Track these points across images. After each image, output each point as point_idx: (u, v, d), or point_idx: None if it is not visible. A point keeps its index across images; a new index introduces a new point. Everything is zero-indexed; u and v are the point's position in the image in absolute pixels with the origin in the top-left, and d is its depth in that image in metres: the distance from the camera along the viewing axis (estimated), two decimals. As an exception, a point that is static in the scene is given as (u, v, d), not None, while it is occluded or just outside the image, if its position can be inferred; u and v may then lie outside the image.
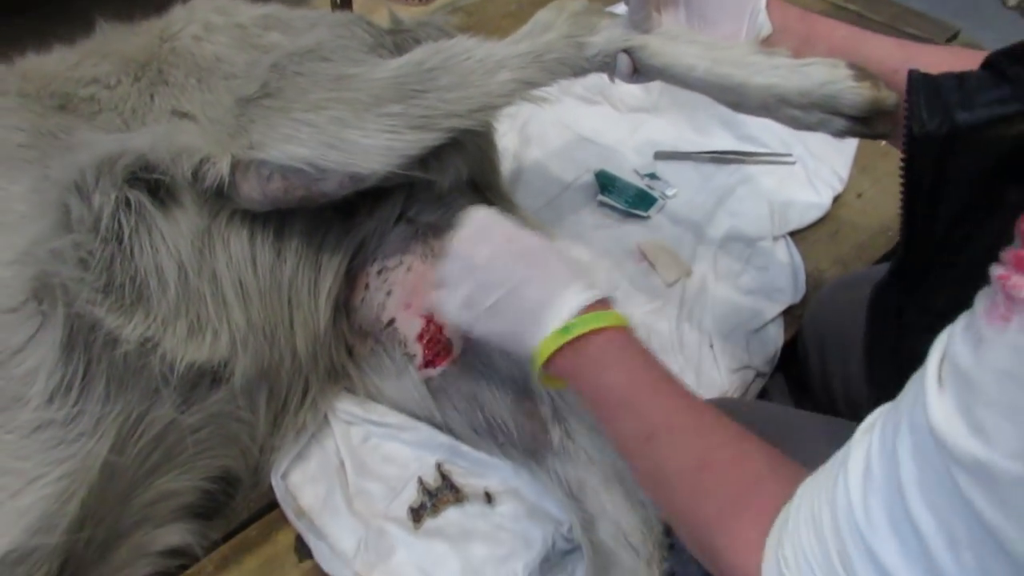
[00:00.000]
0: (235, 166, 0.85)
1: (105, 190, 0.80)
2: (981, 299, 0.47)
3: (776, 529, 0.59)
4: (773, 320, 1.21)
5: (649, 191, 1.39)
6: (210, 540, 0.94)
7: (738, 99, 0.87)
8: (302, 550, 0.95)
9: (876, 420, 0.55)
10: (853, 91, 0.80)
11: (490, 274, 0.81)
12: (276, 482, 0.98)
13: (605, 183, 1.40)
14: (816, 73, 0.82)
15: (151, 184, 0.84)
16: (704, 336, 1.18)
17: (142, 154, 0.82)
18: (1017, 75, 0.59)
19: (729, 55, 0.86)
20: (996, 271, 0.46)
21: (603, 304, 0.79)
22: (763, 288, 1.25)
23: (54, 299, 0.79)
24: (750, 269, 1.28)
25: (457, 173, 0.96)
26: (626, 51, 0.89)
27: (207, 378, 0.89)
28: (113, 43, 1.01)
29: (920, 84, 0.65)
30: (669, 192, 1.40)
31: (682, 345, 1.17)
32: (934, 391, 0.48)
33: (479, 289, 0.81)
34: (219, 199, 0.89)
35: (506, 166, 1.38)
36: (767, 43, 0.89)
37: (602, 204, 1.38)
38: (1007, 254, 0.46)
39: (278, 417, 0.99)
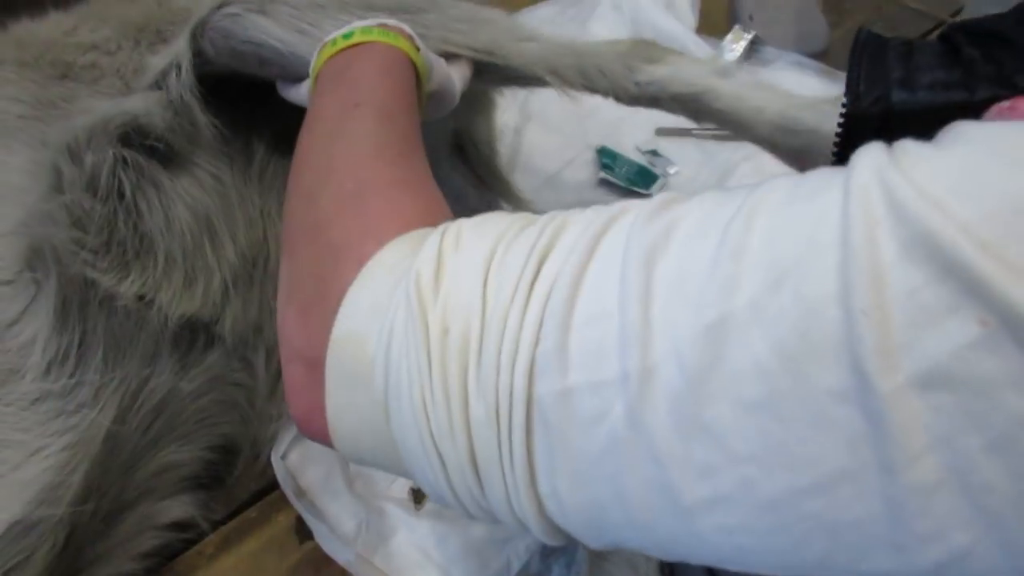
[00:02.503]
0: (196, 34, 0.79)
1: (98, 150, 0.77)
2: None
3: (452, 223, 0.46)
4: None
5: (651, 168, 1.38)
6: (213, 513, 0.93)
7: (805, 145, 0.80)
8: (303, 531, 0.95)
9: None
10: None
11: None
12: (276, 462, 0.97)
13: (606, 160, 1.38)
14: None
15: (148, 149, 0.81)
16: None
17: (135, 115, 0.79)
18: (971, 58, 0.51)
19: (803, 100, 0.80)
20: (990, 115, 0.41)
21: (396, 28, 0.70)
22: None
23: (46, 266, 0.77)
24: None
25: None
26: (692, 95, 0.85)
27: (201, 337, 0.88)
28: (110, 7, 0.98)
29: (866, 48, 0.57)
30: (671, 170, 1.39)
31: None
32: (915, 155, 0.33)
33: None
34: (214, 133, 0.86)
35: (506, 143, 1.37)
36: None
37: (603, 182, 1.37)
38: (995, 109, 0.41)
39: (275, 381, 0.97)
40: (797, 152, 0.81)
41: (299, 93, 0.79)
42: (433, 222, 0.47)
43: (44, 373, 0.75)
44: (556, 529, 0.40)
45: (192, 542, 0.91)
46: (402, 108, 0.60)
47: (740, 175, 1.38)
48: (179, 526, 0.89)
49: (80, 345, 0.78)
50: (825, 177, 0.34)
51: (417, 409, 0.40)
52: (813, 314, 0.30)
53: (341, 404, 0.44)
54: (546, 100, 1.48)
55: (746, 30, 1.51)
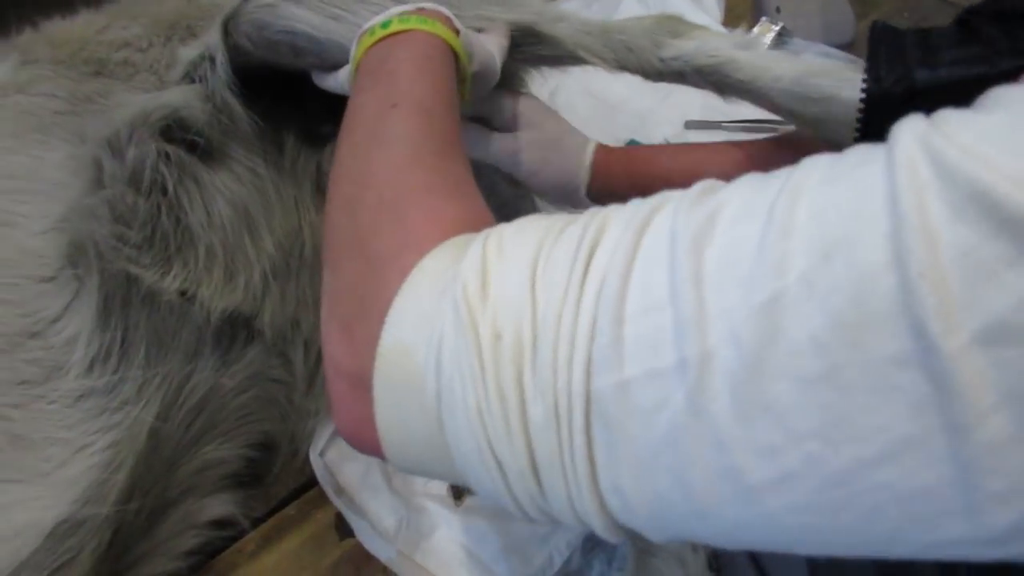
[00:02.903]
0: (229, 29, 0.79)
1: (140, 143, 0.77)
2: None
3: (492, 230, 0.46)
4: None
5: (678, 162, 1.37)
6: (252, 511, 0.93)
7: (822, 113, 0.79)
8: (343, 528, 0.94)
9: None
10: None
11: None
12: (314, 460, 0.97)
13: (634, 153, 1.37)
14: None
15: (188, 143, 0.81)
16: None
17: (175, 108, 0.79)
18: (989, 35, 0.51)
19: (823, 68, 0.80)
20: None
21: (435, 14, 0.69)
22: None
23: (88, 262, 0.77)
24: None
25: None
26: (714, 65, 0.85)
27: (242, 332, 0.88)
28: (140, 4, 0.98)
29: (883, 36, 0.58)
30: (697, 164, 1.38)
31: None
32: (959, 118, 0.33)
33: None
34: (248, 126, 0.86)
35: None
36: None
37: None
38: None
39: (313, 376, 0.97)
40: (816, 120, 0.80)
41: (336, 81, 0.79)
42: (474, 226, 0.47)
43: (87, 370, 0.75)
44: (619, 526, 0.40)
45: (232, 540, 0.91)
46: (441, 104, 0.60)
47: (771, 167, 1.36)
48: (220, 524, 0.88)
49: (123, 341, 0.77)
50: (865, 152, 0.34)
51: (472, 417, 0.40)
52: (868, 282, 0.30)
53: (391, 416, 0.44)
54: (573, 93, 1.47)
55: (773, 22, 1.49)
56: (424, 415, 0.42)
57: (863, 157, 0.33)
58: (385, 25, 0.66)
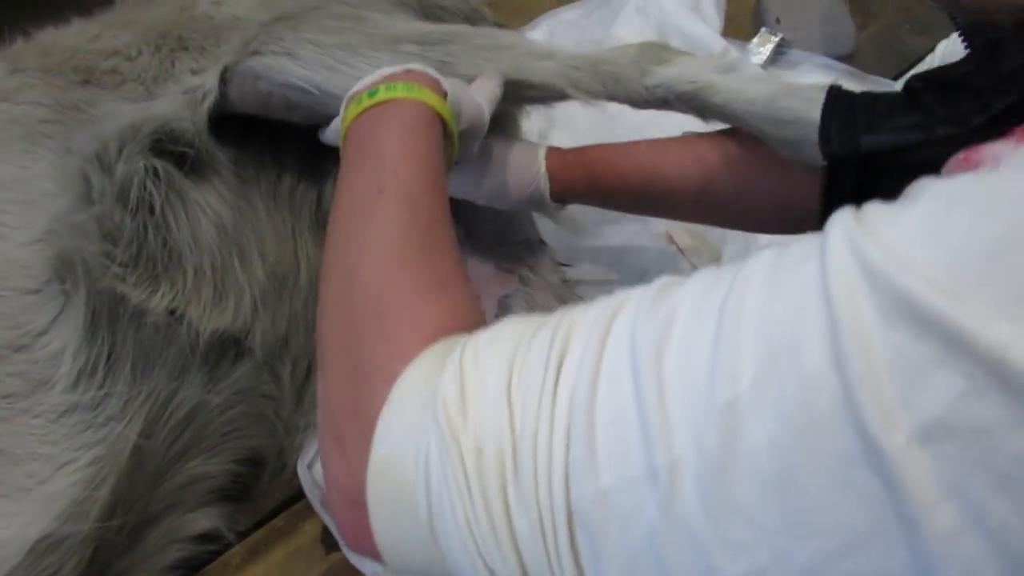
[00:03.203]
0: (226, 80, 0.80)
1: (129, 159, 0.77)
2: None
3: (469, 336, 0.47)
4: (805, 308, 1.18)
5: (677, 174, 1.36)
6: (239, 524, 0.92)
7: (797, 135, 0.79)
8: (329, 541, 0.94)
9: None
10: None
11: None
12: (302, 472, 0.96)
13: (632, 165, 1.36)
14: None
15: (178, 157, 0.81)
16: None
17: (166, 120, 0.79)
18: (929, 104, 0.54)
19: (793, 89, 0.80)
20: (950, 168, 0.42)
21: (421, 77, 0.70)
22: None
23: (76, 278, 0.77)
24: (782, 255, 1.26)
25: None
26: (693, 92, 0.86)
27: (231, 350, 0.88)
28: (134, 13, 0.98)
29: (837, 100, 0.61)
30: (698, 174, 1.37)
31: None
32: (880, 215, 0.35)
33: None
34: (239, 150, 0.87)
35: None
36: None
37: (630, 187, 1.35)
38: (955, 160, 0.41)
39: (301, 391, 0.97)
40: (789, 142, 0.80)
41: (331, 135, 0.80)
42: (459, 324, 0.49)
43: (73, 385, 0.75)
44: None
45: (217, 554, 0.90)
46: (427, 186, 0.60)
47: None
48: (205, 538, 0.88)
49: (109, 357, 0.77)
50: (804, 250, 0.36)
51: (463, 529, 0.41)
52: (813, 386, 0.32)
53: (387, 530, 0.45)
54: (571, 105, 1.46)
55: (773, 33, 1.49)
56: (418, 528, 0.43)
57: (803, 255, 0.36)
58: (372, 94, 0.67)
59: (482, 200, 0.94)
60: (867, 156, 0.56)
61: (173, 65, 0.86)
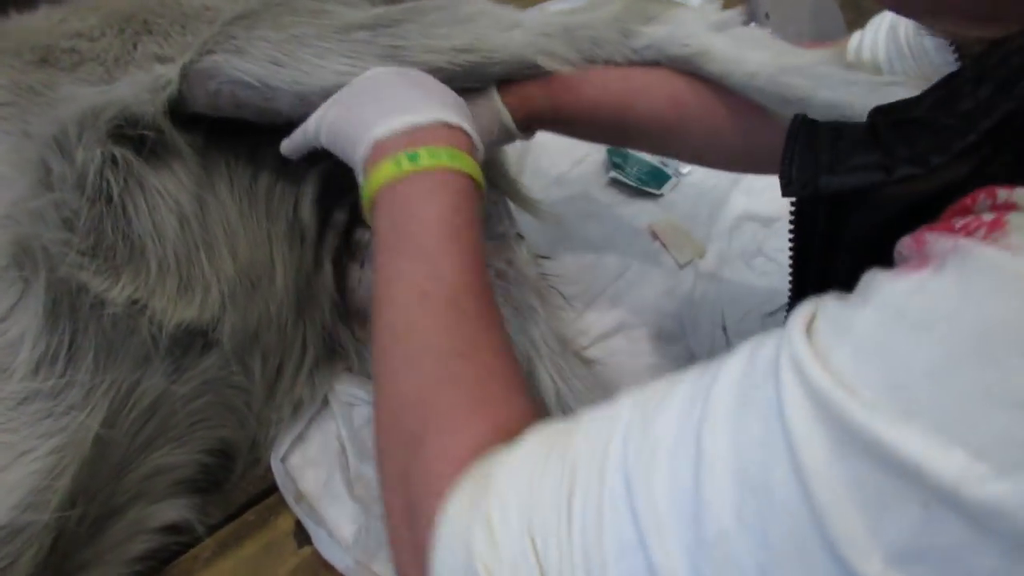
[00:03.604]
0: (184, 76, 0.78)
1: (89, 146, 0.75)
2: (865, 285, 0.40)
3: (497, 455, 0.50)
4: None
5: (663, 168, 1.35)
6: (209, 516, 0.91)
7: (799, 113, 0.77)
8: (301, 536, 0.92)
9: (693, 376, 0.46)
10: None
11: (354, 87, 0.74)
12: (275, 465, 0.95)
13: (617, 159, 1.36)
14: (898, 96, 0.67)
15: (137, 140, 0.79)
16: (717, 319, 1.15)
17: (126, 104, 0.77)
18: (890, 141, 0.52)
19: (798, 61, 0.76)
20: (899, 254, 0.43)
21: (459, 137, 0.68)
22: (779, 270, 1.22)
23: (35, 264, 0.75)
24: (766, 251, 1.25)
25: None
26: (688, 56, 0.81)
27: (198, 342, 0.86)
28: (103, 0, 0.96)
29: (799, 134, 0.58)
30: (683, 170, 1.36)
31: (694, 327, 1.14)
32: (803, 347, 0.37)
33: (336, 99, 0.74)
34: (206, 141, 0.85)
35: (513, 143, 1.35)
36: None
37: (613, 181, 1.35)
38: (906, 241, 0.42)
39: (273, 386, 0.95)
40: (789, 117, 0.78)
41: (293, 145, 0.80)
42: (503, 436, 0.51)
43: (33, 372, 0.73)
44: None
45: (187, 546, 0.89)
46: (472, 284, 0.60)
47: (754, 175, 1.35)
48: (173, 530, 0.87)
49: (71, 345, 0.76)
50: (764, 367, 0.38)
51: None
52: (788, 517, 0.34)
53: None
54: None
55: (762, 27, 1.48)
56: None
57: (763, 375, 0.38)
58: (413, 158, 0.63)
59: None
60: (831, 196, 0.54)
61: (135, 48, 0.84)
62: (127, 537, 0.81)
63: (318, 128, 0.74)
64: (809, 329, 0.38)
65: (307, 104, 0.77)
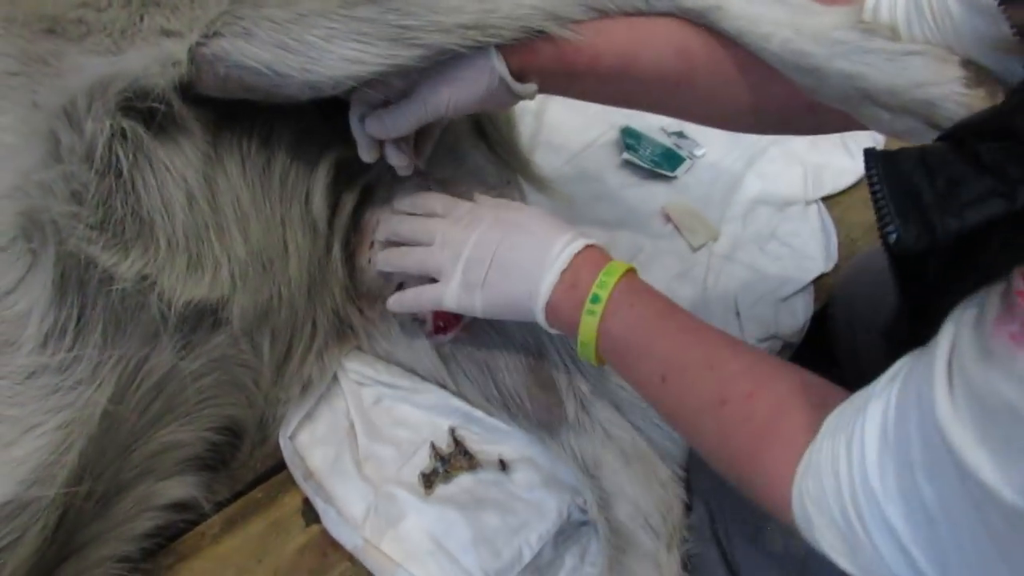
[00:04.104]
0: (191, 59, 0.77)
1: (97, 117, 0.74)
2: (993, 299, 0.45)
3: (802, 464, 0.60)
4: (803, 289, 1.16)
5: (676, 150, 1.33)
6: (216, 494, 0.91)
7: (815, 84, 0.72)
8: (309, 514, 0.92)
9: (899, 373, 0.54)
10: (959, 100, 0.63)
11: (476, 251, 0.82)
12: (284, 443, 0.95)
13: (630, 140, 1.34)
14: (916, 68, 0.65)
15: (146, 114, 0.78)
16: (730, 304, 1.14)
17: (136, 77, 0.75)
18: (996, 161, 0.46)
19: (814, 25, 0.70)
20: (1016, 283, 0.43)
21: (596, 252, 0.80)
22: (793, 255, 1.20)
23: (44, 237, 0.74)
24: (780, 235, 1.24)
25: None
26: (701, 9, 0.77)
27: (207, 319, 0.85)
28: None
29: (884, 180, 0.52)
30: (698, 152, 1.34)
31: (707, 312, 1.12)
32: (943, 387, 0.47)
33: (469, 269, 0.82)
34: (217, 119, 0.84)
35: (526, 122, 1.34)
36: None
37: (626, 163, 1.33)
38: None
39: (282, 365, 0.95)
40: (809, 88, 0.73)
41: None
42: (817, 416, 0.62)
43: (41, 346, 0.73)
44: None
45: (194, 524, 0.89)
46: (675, 345, 0.74)
47: (769, 158, 1.34)
48: (180, 507, 0.87)
49: (79, 319, 0.75)
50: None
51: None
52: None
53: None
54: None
55: None
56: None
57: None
58: (595, 300, 0.77)
59: (446, 110, 0.83)
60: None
61: (142, 20, 0.82)
62: (134, 514, 0.81)
63: (468, 307, 0.84)
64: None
65: (316, 90, 0.77)
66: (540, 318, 0.81)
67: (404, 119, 0.83)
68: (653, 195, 1.28)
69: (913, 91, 0.65)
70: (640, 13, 0.81)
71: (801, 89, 0.74)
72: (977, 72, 0.64)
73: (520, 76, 0.82)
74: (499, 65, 0.80)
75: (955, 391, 0.46)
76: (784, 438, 0.63)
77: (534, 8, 0.77)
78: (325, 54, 0.74)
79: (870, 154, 0.54)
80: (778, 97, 0.78)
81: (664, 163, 1.31)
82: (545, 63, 0.82)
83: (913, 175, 0.50)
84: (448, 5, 0.75)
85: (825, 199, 1.30)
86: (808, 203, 1.28)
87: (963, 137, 0.50)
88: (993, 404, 0.43)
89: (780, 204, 1.27)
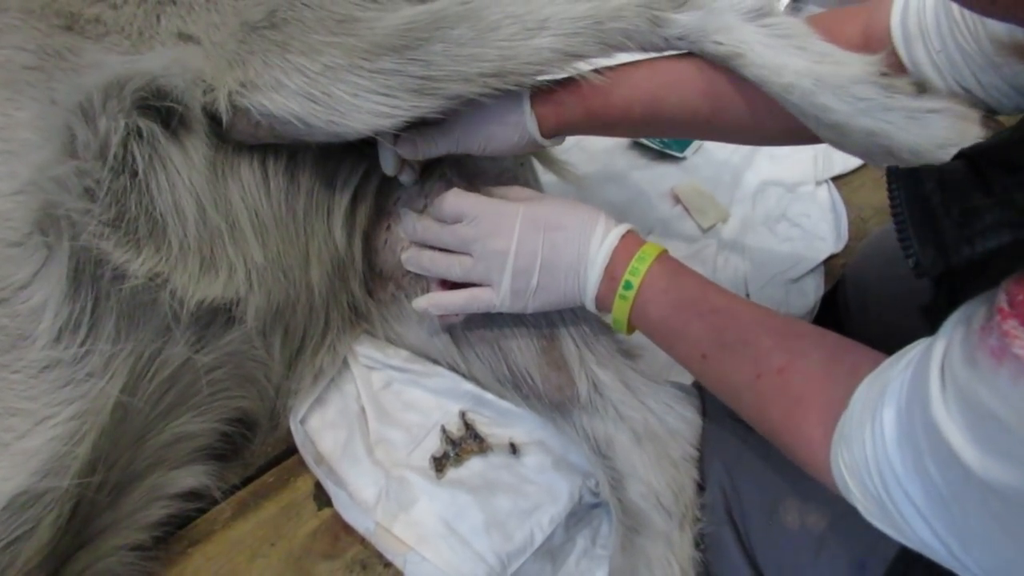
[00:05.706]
0: (230, 105, 0.79)
1: (112, 114, 0.74)
2: (981, 309, 0.47)
3: (836, 433, 0.62)
4: (813, 270, 1.16)
5: (685, 131, 1.33)
6: (228, 483, 0.92)
7: (838, 138, 0.73)
8: (321, 497, 0.93)
9: (912, 358, 0.55)
10: None
11: (520, 261, 0.83)
12: (295, 427, 0.95)
13: (638, 122, 1.33)
14: (938, 127, 0.67)
15: (162, 113, 0.78)
16: (740, 285, 1.14)
17: (153, 77, 0.76)
18: (1010, 198, 0.48)
19: (835, 76, 0.71)
20: (999, 298, 0.45)
21: (629, 239, 0.82)
22: (803, 236, 1.20)
23: (59, 232, 0.75)
24: (790, 215, 1.23)
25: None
26: (722, 56, 0.77)
27: (221, 317, 0.86)
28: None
29: (906, 204, 0.54)
30: (706, 133, 1.34)
31: (717, 294, 1.12)
32: (936, 387, 0.49)
33: (517, 277, 0.83)
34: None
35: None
36: None
37: (635, 144, 1.32)
38: (1012, 286, 0.44)
39: (294, 359, 0.95)
40: (831, 142, 0.74)
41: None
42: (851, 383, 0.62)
43: (54, 340, 0.74)
44: None
45: (204, 511, 0.90)
46: (711, 327, 0.76)
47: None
48: (192, 495, 0.87)
49: (93, 313, 0.76)
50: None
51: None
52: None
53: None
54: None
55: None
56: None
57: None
58: (627, 286, 0.79)
59: (477, 151, 0.88)
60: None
61: (158, 20, 0.82)
62: (146, 503, 0.82)
63: (520, 309, 0.86)
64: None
65: (342, 138, 0.80)
66: (591, 308, 0.84)
67: (435, 150, 0.87)
68: (662, 176, 1.28)
69: (935, 151, 0.67)
70: (659, 50, 0.82)
71: (823, 140, 0.76)
72: (998, 128, 0.63)
73: (551, 130, 0.86)
74: (531, 124, 0.84)
75: (947, 392, 0.48)
76: (818, 408, 0.65)
77: (553, 51, 0.78)
78: (352, 109, 0.77)
79: (893, 172, 0.55)
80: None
81: (673, 144, 1.30)
82: (576, 119, 0.86)
83: (932, 197, 0.52)
84: (467, 53, 0.76)
85: (835, 179, 1.29)
86: (818, 183, 1.27)
87: (979, 163, 0.52)
88: (979, 410, 0.45)
89: (790, 185, 1.26)
